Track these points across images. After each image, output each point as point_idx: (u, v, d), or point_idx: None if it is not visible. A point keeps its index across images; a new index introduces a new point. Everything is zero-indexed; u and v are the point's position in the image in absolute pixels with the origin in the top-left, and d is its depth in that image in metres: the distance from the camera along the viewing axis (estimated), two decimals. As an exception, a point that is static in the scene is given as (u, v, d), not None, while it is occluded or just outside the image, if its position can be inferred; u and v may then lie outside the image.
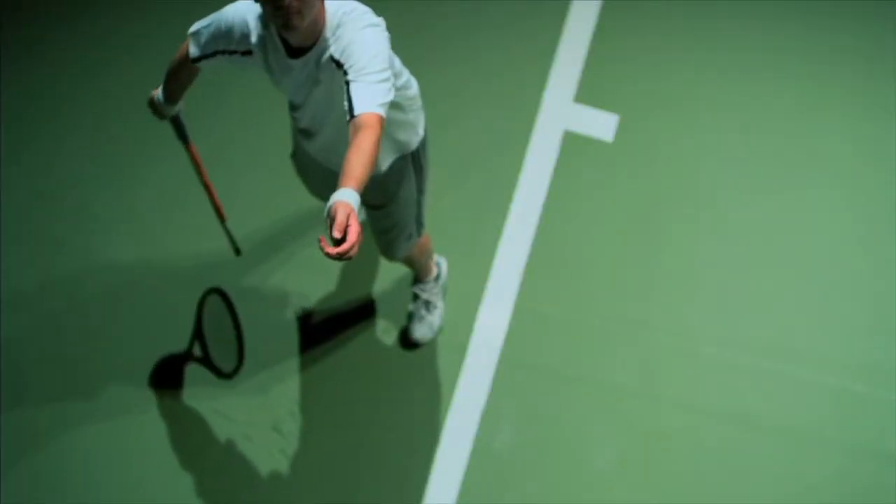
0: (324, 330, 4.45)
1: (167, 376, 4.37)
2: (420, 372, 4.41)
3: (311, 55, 3.34)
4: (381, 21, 3.33)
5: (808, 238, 4.63)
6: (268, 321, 4.46)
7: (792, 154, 4.75)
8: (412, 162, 3.81)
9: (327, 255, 2.93)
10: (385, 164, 3.74)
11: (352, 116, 3.18)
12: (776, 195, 4.69)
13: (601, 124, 4.79)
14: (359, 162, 3.09)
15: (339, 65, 3.28)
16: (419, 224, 4.01)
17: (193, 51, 3.53)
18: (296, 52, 3.36)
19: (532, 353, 4.43)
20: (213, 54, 3.50)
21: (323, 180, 3.89)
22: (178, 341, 4.42)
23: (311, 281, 4.52)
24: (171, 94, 3.79)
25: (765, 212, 4.67)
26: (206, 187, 4.14)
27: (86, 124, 4.75)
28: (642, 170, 4.72)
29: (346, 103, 3.20)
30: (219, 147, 4.73)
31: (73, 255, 4.54)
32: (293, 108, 3.60)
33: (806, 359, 4.44)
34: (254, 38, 3.41)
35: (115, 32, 4.85)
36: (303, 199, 4.65)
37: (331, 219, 2.95)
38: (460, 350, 4.43)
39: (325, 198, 4.08)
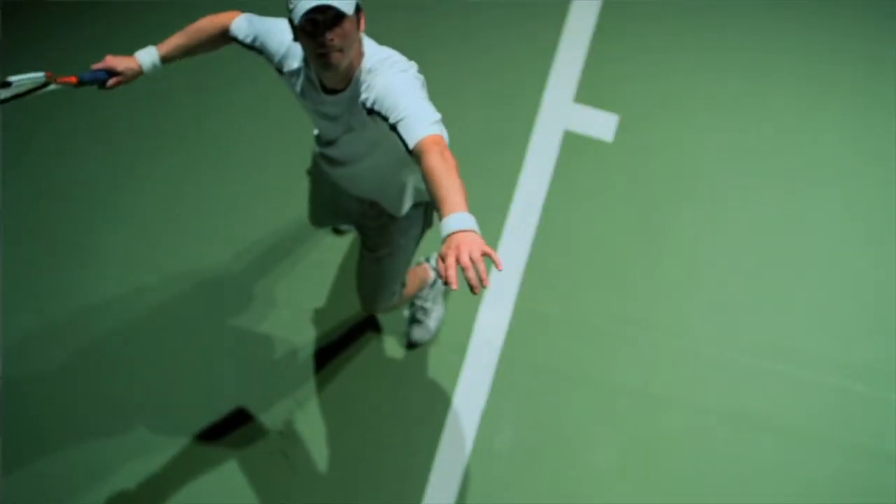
0: (324, 330, 4.46)
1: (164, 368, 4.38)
2: (420, 372, 4.41)
3: (343, 96, 3.30)
4: (412, 65, 3.29)
5: (808, 238, 4.63)
6: (268, 321, 4.45)
7: (792, 154, 4.75)
8: (424, 211, 3.79)
9: (470, 286, 2.68)
10: (405, 209, 3.70)
11: (411, 150, 3.06)
12: (776, 195, 4.69)
13: (601, 124, 4.79)
14: (454, 183, 2.90)
15: (371, 112, 3.23)
16: (402, 283, 4.00)
17: (238, 28, 3.47)
18: (329, 89, 3.33)
19: (532, 352, 4.43)
20: (252, 48, 3.47)
21: (333, 199, 3.86)
22: (177, 341, 4.42)
23: (312, 281, 4.52)
24: (172, 55, 3.61)
25: (764, 211, 4.67)
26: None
27: (86, 124, 4.75)
28: (642, 170, 4.72)
29: (400, 144, 3.12)
30: (229, 146, 4.74)
31: (73, 254, 4.54)
32: (322, 140, 3.56)
33: (806, 359, 4.44)
34: (294, 64, 3.37)
35: (115, 33, 4.85)
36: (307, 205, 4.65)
37: (456, 250, 2.71)
38: (460, 350, 4.43)
39: (325, 221, 4.09)
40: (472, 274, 2.70)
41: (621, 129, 4.77)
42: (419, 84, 3.24)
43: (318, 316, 4.47)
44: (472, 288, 2.68)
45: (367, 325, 4.47)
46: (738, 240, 4.62)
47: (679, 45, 4.92)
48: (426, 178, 2.97)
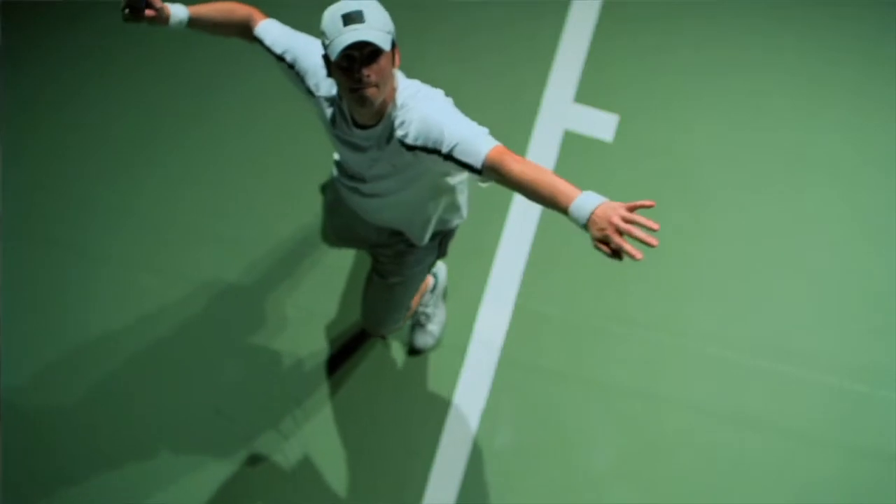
0: (324, 332, 4.46)
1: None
2: (420, 372, 4.41)
3: (374, 132, 3.25)
4: (438, 91, 3.26)
5: (808, 238, 4.63)
6: (268, 323, 4.46)
7: (792, 154, 4.75)
8: (440, 242, 3.77)
9: (631, 255, 2.70)
10: (426, 239, 3.68)
11: (480, 169, 3.07)
12: (776, 195, 4.69)
13: (601, 124, 4.79)
14: (549, 176, 2.93)
15: (413, 148, 3.18)
16: (407, 308, 4.00)
17: (266, 32, 3.40)
18: (360, 124, 3.27)
19: (532, 353, 4.43)
20: (280, 58, 3.38)
21: (351, 225, 3.82)
22: (176, 340, 4.42)
23: (313, 283, 4.52)
24: (198, 21, 3.43)
25: (765, 211, 4.67)
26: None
27: (86, 124, 4.75)
28: (642, 170, 4.72)
29: (464, 171, 3.13)
30: (229, 146, 4.74)
31: (73, 254, 4.54)
32: (348, 171, 3.48)
33: (806, 359, 4.44)
34: (323, 91, 3.33)
35: (115, 33, 4.85)
36: (306, 205, 4.65)
37: (610, 225, 2.74)
38: (460, 350, 4.43)
39: (341, 244, 4.07)
40: (638, 232, 2.73)
41: (621, 129, 4.77)
42: (451, 105, 3.22)
43: (318, 318, 4.47)
44: (646, 244, 2.68)
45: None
46: (738, 239, 4.62)
47: (679, 45, 4.92)
48: (517, 186, 2.99)
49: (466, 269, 4.52)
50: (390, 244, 3.75)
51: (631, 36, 4.92)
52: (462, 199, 3.64)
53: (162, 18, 3.33)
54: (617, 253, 2.75)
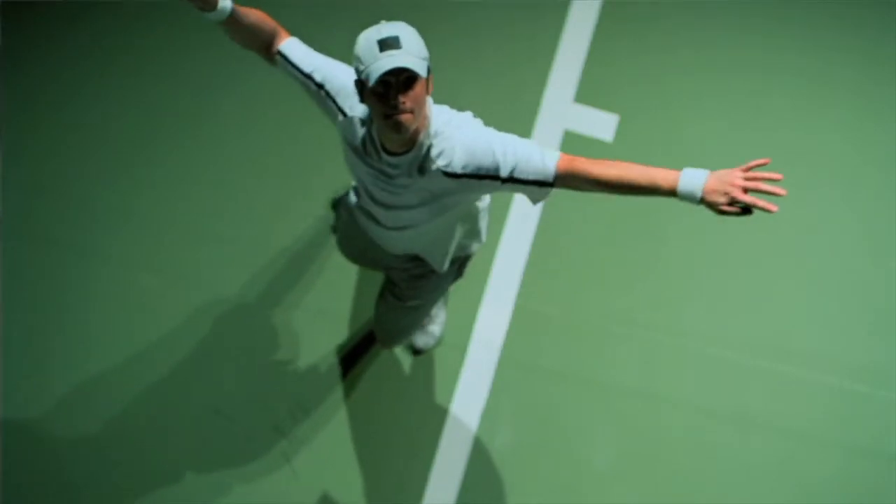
0: (324, 331, 4.46)
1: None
2: (420, 372, 4.41)
3: (405, 158, 3.18)
4: (467, 113, 3.22)
5: (809, 238, 4.63)
6: (268, 322, 4.46)
7: (793, 153, 4.75)
8: (458, 267, 3.74)
9: (765, 209, 2.88)
10: (446, 265, 3.64)
11: (551, 183, 3.09)
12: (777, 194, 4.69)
13: (601, 124, 4.79)
14: (634, 168, 3.01)
15: (460, 176, 3.14)
16: (421, 324, 4.00)
17: (292, 49, 3.31)
18: (389, 151, 3.19)
19: (532, 353, 4.43)
20: (308, 77, 3.29)
21: (368, 250, 3.79)
22: (176, 340, 4.42)
23: (313, 282, 4.52)
24: (238, 20, 3.28)
25: (764, 211, 4.67)
26: None
27: (86, 124, 4.75)
28: (642, 170, 4.72)
29: (534, 190, 3.12)
30: (230, 146, 4.74)
31: (73, 255, 4.54)
32: (370, 198, 3.38)
33: (806, 359, 4.44)
34: (358, 112, 3.25)
35: (115, 33, 4.85)
36: (307, 206, 4.65)
37: (733, 186, 2.87)
38: (460, 350, 4.43)
39: (357, 263, 4.03)
40: (765, 186, 2.89)
41: (621, 129, 4.77)
42: (482, 124, 3.20)
43: (318, 318, 4.47)
44: (775, 195, 2.85)
45: (367, 327, 4.47)
46: (738, 239, 4.62)
47: (679, 44, 4.92)
48: (604, 186, 3.03)
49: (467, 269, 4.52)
50: (407, 268, 3.71)
51: (631, 36, 4.92)
52: (484, 224, 3.60)
53: (210, 4, 3.19)
54: (748, 210, 2.90)
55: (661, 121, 4.80)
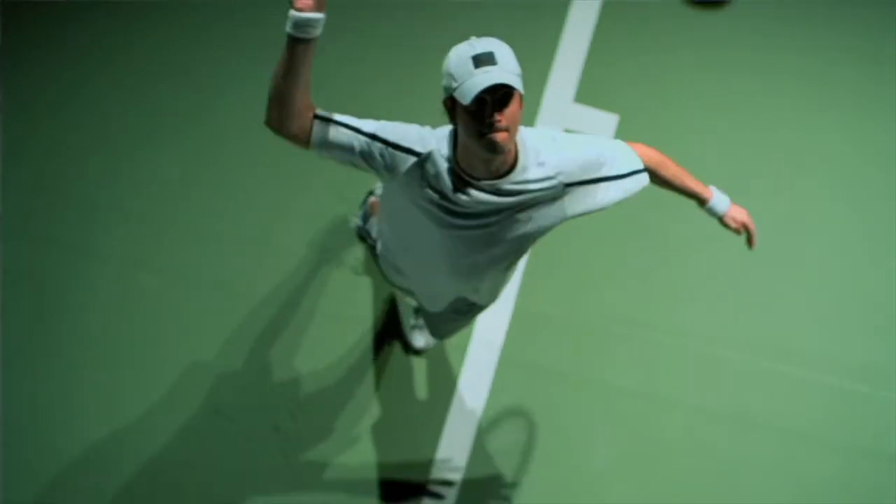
0: (324, 331, 4.45)
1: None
2: (420, 372, 4.41)
3: (506, 181, 3.05)
4: (553, 131, 3.21)
5: (809, 238, 4.62)
6: (268, 322, 4.45)
7: (793, 153, 4.75)
8: None
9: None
10: (494, 302, 3.71)
11: (644, 169, 3.29)
12: (777, 195, 4.69)
13: (601, 124, 4.78)
14: (687, 177, 3.45)
15: (572, 185, 3.14)
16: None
17: (341, 116, 3.07)
18: (465, 182, 3.04)
19: (532, 352, 4.43)
20: (370, 138, 3.05)
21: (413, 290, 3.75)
22: (176, 340, 4.41)
23: (312, 282, 4.52)
24: (306, 55, 2.94)
25: (765, 211, 4.67)
26: None
27: (86, 124, 4.74)
28: (642, 170, 4.72)
29: (628, 186, 3.25)
30: (230, 146, 4.74)
31: (73, 254, 4.54)
32: (444, 249, 3.22)
33: (806, 359, 4.44)
34: (438, 147, 3.05)
35: (115, 33, 4.85)
36: (307, 206, 4.65)
37: (741, 223, 3.50)
38: (460, 350, 4.43)
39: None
40: (755, 230, 3.52)
41: (621, 129, 4.77)
42: (562, 133, 3.21)
43: (318, 318, 4.47)
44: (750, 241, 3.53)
45: (367, 327, 4.46)
46: (738, 239, 4.62)
47: (679, 44, 4.92)
48: (662, 183, 3.42)
49: (466, 269, 4.52)
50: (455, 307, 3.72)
51: (631, 36, 4.92)
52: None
53: (321, 4, 2.88)
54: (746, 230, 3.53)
55: (661, 121, 4.80)
